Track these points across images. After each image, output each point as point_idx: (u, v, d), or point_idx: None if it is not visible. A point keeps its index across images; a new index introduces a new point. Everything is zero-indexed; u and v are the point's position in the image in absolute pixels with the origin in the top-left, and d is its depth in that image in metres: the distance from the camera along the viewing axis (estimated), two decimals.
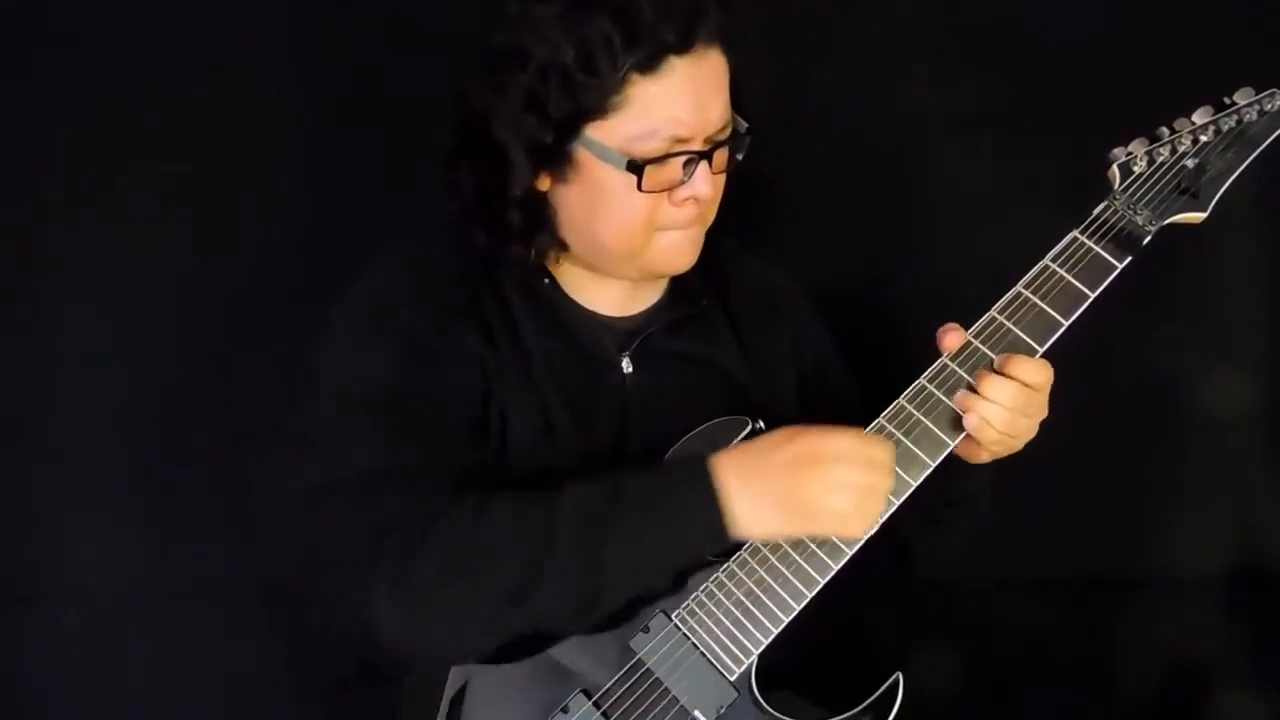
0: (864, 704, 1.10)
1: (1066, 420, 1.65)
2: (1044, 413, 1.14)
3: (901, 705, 1.09)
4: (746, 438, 1.16)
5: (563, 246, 1.21)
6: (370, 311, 1.18)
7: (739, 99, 1.18)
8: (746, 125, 1.18)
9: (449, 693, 1.16)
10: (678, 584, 1.12)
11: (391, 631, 1.07)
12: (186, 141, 1.64)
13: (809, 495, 1.04)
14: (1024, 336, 1.10)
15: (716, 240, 1.25)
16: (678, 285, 1.29)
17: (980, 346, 1.11)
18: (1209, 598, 1.75)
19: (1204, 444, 1.73)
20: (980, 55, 1.66)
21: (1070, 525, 1.72)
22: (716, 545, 1.09)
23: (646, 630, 1.10)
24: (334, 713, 1.30)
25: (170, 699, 1.71)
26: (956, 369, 1.10)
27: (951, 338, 1.12)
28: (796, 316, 1.37)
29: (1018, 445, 1.15)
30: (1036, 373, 1.10)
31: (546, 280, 1.24)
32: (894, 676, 1.10)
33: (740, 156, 1.19)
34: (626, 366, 1.24)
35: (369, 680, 1.27)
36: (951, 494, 1.21)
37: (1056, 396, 1.54)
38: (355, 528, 1.08)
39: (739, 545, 1.09)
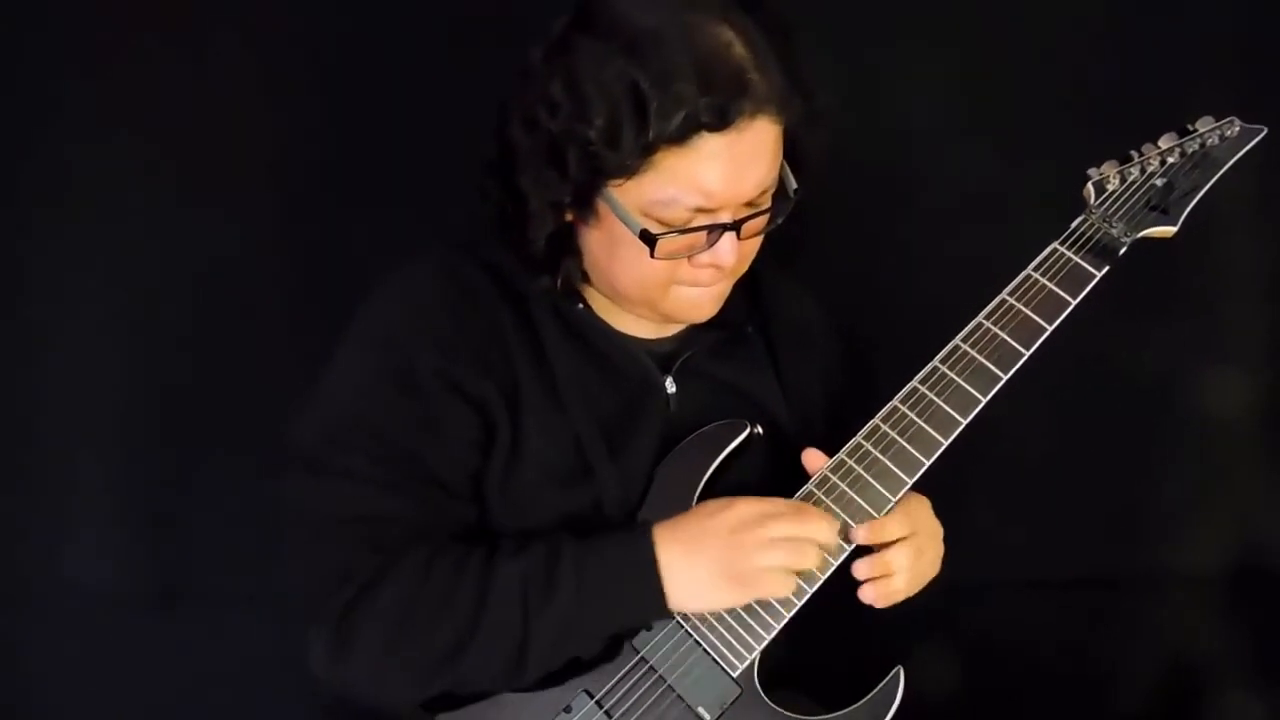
0: (866, 698, 1.11)
1: (1066, 420, 1.70)
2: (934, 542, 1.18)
3: (902, 702, 1.10)
4: (744, 441, 1.17)
5: (586, 278, 1.19)
6: (383, 351, 1.14)
7: (800, 156, 1.13)
8: (795, 187, 1.12)
9: None
10: (610, 650, 1.11)
11: (322, 675, 1.10)
12: (197, 139, 1.62)
13: (748, 562, 1.06)
14: (1011, 341, 1.13)
15: (757, 265, 1.20)
16: None
17: (932, 388, 1.14)
18: (1209, 597, 1.75)
19: (1204, 444, 1.73)
20: (977, 63, 1.67)
21: (1070, 525, 1.72)
22: (652, 618, 1.09)
23: (649, 628, 1.11)
24: (334, 713, 1.31)
25: (171, 700, 1.70)
26: (909, 411, 1.13)
27: (813, 460, 1.14)
28: (828, 359, 1.34)
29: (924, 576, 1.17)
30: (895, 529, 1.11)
31: (580, 305, 1.20)
32: (895, 670, 1.11)
33: (780, 220, 1.13)
34: (670, 387, 1.21)
35: None
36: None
37: (1056, 397, 1.58)
38: (314, 568, 1.10)
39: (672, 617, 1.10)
